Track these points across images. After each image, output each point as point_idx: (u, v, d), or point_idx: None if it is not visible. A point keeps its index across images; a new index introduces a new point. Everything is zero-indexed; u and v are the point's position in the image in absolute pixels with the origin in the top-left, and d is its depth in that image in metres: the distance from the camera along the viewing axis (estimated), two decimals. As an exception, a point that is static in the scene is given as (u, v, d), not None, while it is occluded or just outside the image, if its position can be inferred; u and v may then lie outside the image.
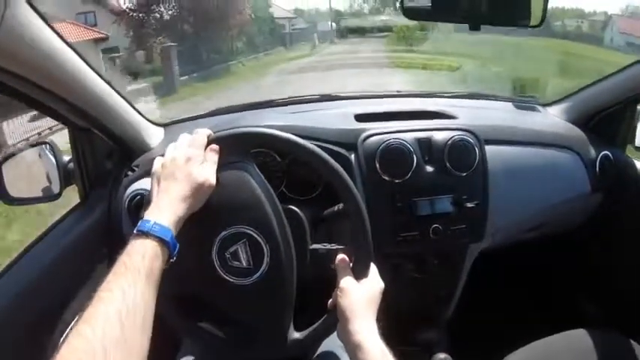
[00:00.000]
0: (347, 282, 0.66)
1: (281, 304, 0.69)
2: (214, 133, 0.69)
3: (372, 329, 0.62)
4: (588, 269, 1.29)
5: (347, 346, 0.62)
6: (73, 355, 0.41)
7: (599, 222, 1.19)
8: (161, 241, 0.53)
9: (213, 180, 0.63)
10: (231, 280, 0.66)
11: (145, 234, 0.53)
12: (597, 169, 1.11)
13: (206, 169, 0.63)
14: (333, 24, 23.54)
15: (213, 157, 0.65)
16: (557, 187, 1.09)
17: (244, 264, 0.66)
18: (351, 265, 0.68)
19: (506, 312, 1.35)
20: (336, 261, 0.68)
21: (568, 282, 1.35)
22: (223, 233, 0.65)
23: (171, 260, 0.56)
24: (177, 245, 0.57)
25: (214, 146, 0.66)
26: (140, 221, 0.55)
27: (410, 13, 0.78)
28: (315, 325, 0.70)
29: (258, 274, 0.66)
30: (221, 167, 0.66)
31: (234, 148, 0.69)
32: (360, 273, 0.67)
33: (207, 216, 0.65)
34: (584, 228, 1.20)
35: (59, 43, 0.70)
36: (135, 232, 0.54)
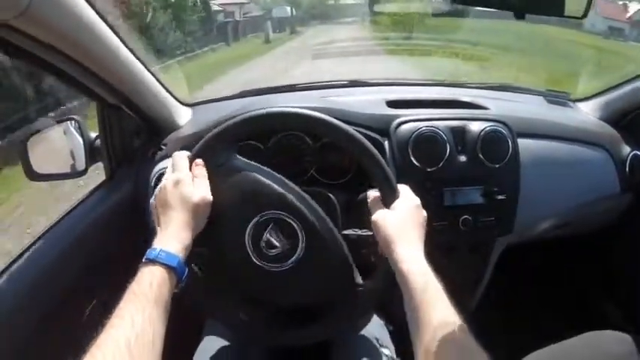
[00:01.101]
0: (379, 214, 0.64)
1: (315, 289, 0.68)
2: (242, 113, 0.68)
3: (413, 255, 0.59)
4: (611, 270, 1.27)
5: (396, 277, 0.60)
6: None
7: (626, 223, 1.17)
8: (168, 267, 0.56)
9: (207, 195, 0.64)
10: (266, 266, 0.65)
11: (152, 261, 0.55)
12: (627, 168, 1.09)
13: (198, 187, 0.64)
14: (293, 9, 18.61)
15: (201, 172, 0.66)
16: (586, 184, 1.07)
17: (278, 249, 0.65)
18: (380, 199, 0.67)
19: (525, 310, 1.33)
20: (368, 199, 0.68)
21: (590, 283, 1.34)
22: (254, 220, 0.65)
23: (181, 285, 0.58)
24: (187, 270, 0.59)
25: (198, 161, 0.67)
26: (148, 250, 0.57)
27: None
28: (342, 311, 0.69)
29: (293, 259, 0.65)
30: (213, 175, 0.66)
31: (219, 146, 0.67)
32: (390, 202, 0.65)
33: (232, 213, 0.65)
34: (610, 228, 1.18)
35: (94, 16, 0.69)
36: (144, 260, 0.56)
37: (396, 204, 0.65)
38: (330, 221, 0.67)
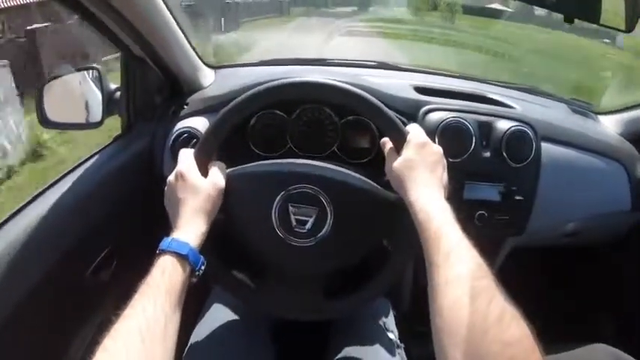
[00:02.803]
0: (390, 162, 0.63)
1: (345, 258, 0.68)
2: (263, 81, 0.66)
3: (421, 195, 0.57)
4: (611, 284, 1.29)
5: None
6: None
7: (631, 240, 1.17)
8: (179, 255, 0.55)
9: (218, 180, 0.64)
10: (294, 241, 0.64)
11: (163, 252, 0.55)
12: None
13: (207, 174, 0.64)
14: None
15: (210, 162, 0.65)
16: (600, 197, 1.07)
17: (307, 223, 0.64)
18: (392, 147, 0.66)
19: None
20: (381, 146, 0.67)
21: (588, 294, 1.35)
22: (279, 196, 0.64)
23: (197, 273, 0.57)
24: (202, 258, 0.58)
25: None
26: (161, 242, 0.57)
27: None
28: (353, 293, 0.69)
29: (322, 232, 0.64)
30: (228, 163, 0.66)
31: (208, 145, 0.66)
32: (400, 147, 0.64)
33: (253, 195, 0.65)
34: (615, 244, 1.19)
35: None
36: (157, 251, 0.56)
37: (405, 147, 0.64)
38: (354, 176, 0.66)
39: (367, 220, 0.66)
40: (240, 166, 0.67)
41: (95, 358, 0.44)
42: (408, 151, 0.63)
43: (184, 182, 0.62)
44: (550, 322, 1.34)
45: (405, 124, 0.88)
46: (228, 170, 0.67)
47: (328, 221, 0.64)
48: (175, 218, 0.61)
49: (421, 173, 0.60)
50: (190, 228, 0.59)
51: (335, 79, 0.66)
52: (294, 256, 0.66)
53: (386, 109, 0.65)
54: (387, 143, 0.67)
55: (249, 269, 0.74)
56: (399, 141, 0.64)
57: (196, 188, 0.61)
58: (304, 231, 0.64)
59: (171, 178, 0.64)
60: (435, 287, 0.47)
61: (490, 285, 0.45)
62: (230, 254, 0.70)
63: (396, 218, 0.64)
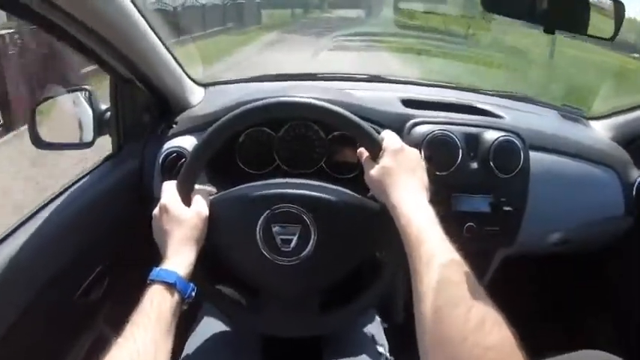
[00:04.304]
0: (368, 171, 0.64)
1: (333, 273, 0.68)
2: (252, 100, 0.67)
3: (401, 199, 0.57)
4: (606, 290, 1.28)
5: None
6: None
7: (624, 246, 1.17)
8: (167, 284, 0.57)
9: (202, 209, 0.65)
10: (275, 259, 0.65)
11: (152, 281, 0.57)
12: (634, 192, 1.09)
13: (190, 204, 0.65)
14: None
15: (190, 192, 0.66)
16: (592, 204, 1.07)
17: (291, 242, 0.65)
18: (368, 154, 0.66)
19: (518, 321, 1.33)
20: (358, 156, 0.68)
21: (584, 300, 1.34)
22: (267, 212, 0.64)
23: (187, 300, 0.59)
24: (191, 285, 0.60)
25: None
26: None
27: (489, 4, 0.74)
28: (344, 307, 0.69)
29: (307, 249, 0.65)
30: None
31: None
32: (376, 155, 0.64)
33: (238, 215, 0.66)
34: (608, 250, 1.18)
35: None
36: (147, 282, 0.57)
37: (381, 155, 0.64)
38: (337, 191, 0.66)
39: (352, 233, 0.66)
40: (221, 192, 0.69)
41: None
42: (385, 158, 0.63)
43: (168, 214, 0.63)
44: (545, 329, 1.35)
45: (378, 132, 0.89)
46: (211, 197, 0.68)
47: (312, 238, 0.64)
48: (163, 249, 0.62)
49: (400, 178, 0.61)
50: (178, 257, 0.61)
51: (315, 97, 0.67)
52: (281, 275, 0.66)
53: (357, 119, 0.65)
54: (363, 153, 0.68)
55: (239, 289, 0.74)
56: (374, 149, 0.65)
57: (180, 219, 0.63)
58: (289, 250, 0.65)
59: (155, 211, 0.65)
60: (417, 294, 0.48)
61: (471, 290, 0.45)
62: (220, 275, 0.71)
63: (383, 228, 0.64)
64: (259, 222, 0.64)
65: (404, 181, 0.60)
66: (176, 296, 0.57)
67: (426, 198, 0.60)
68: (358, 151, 0.69)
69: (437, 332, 0.44)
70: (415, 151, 0.66)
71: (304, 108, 0.66)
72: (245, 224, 0.65)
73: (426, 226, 0.54)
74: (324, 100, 0.67)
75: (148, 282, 0.57)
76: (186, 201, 0.65)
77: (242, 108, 0.65)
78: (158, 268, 0.59)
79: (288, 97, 0.67)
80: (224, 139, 0.65)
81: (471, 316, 0.42)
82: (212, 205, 0.66)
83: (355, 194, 0.66)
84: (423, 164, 0.65)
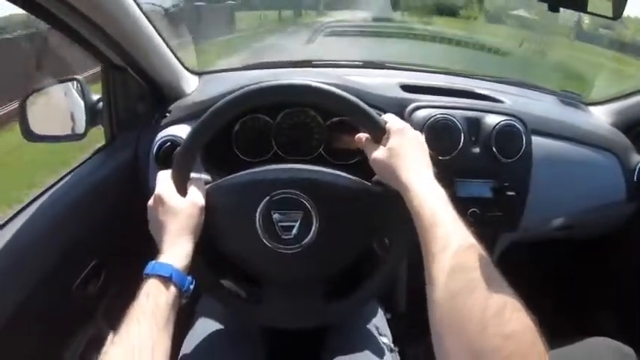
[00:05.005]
0: (374, 154, 0.61)
1: (332, 267, 0.66)
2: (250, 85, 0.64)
3: (415, 179, 0.55)
4: (609, 277, 1.27)
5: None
6: None
7: (627, 231, 1.16)
8: (162, 278, 0.55)
9: (198, 199, 0.63)
10: (280, 248, 0.63)
11: (148, 275, 0.56)
12: (635, 177, 1.08)
13: (185, 194, 0.63)
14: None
15: (185, 182, 0.64)
16: (594, 189, 1.06)
17: (292, 229, 0.63)
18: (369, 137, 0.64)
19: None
20: (356, 141, 0.66)
21: (588, 287, 1.34)
22: (267, 199, 0.62)
23: (185, 293, 0.58)
24: (189, 278, 0.59)
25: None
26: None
27: None
28: (348, 297, 0.67)
29: (309, 237, 0.63)
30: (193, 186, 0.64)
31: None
32: (379, 138, 0.62)
33: (236, 204, 0.64)
34: (611, 235, 1.18)
35: None
36: (143, 276, 0.56)
37: (386, 137, 0.62)
38: (337, 174, 0.64)
39: (356, 217, 0.64)
40: (218, 180, 0.66)
41: None
42: (391, 140, 0.61)
43: (163, 205, 0.61)
44: (551, 316, 1.34)
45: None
46: (207, 186, 0.66)
47: (314, 225, 0.62)
48: (159, 242, 0.61)
49: (409, 159, 0.59)
50: (174, 250, 0.59)
51: (312, 80, 0.64)
52: (283, 265, 0.65)
53: (360, 102, 0.63)
54: (363, 137, 0.66)
55: (240, 279, 0.72)
56: (378, 132, 0.62)
57: (176, 210, 0.61)
58: (290, 237, 0.63)
59: (150, 202, 0.63)
60: (431, 278, 0.45)
61: (489, 275, 0.43)
62: (220, 266, 0.69)
63: (388, 212, 0.63)
64: (259, 209, 0.62)
65: (412, 161, 0.59)
66: (173, 290, 0.55)
67: (434, 178, 0.58)
68: (357, 136, 0.67)
69: (452, 320, 0.41)
70: (417, 132, 0.64)
71: (304, 91, 0.63)
72: (244, 212, 0.63)
73: (441, 207, 0.51)
74: (321, 83, 0.65)
75: (144, 276, 0.55)
76: (182, 191, 0.63)
77: (238, 92, 0.62)
78: (153, 262, 0.57)
79: (286, 80, 0.64)
80: (219, 124, 0.63)
81: (489, 302, 0.40)
82: (208, 194, 0.64)
83: (356, 178, 0.64)
84: (425, 145, 0.63)
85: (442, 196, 0.53)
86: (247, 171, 0.66)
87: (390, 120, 0.64)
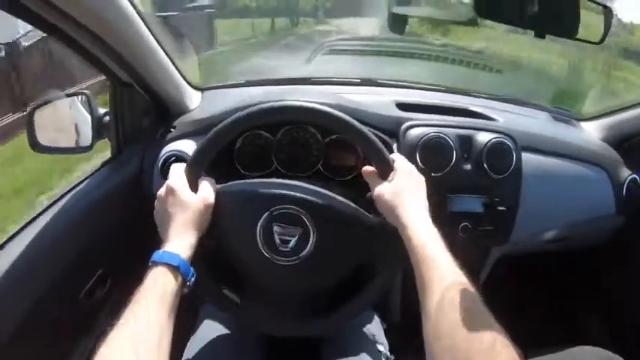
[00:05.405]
0: (378, 188, 0.65)
1: (326, 282, 0.69)
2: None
3: (415, 219, 0.60)
4: (598, 288, 1.30)
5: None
6: None
7: (616, 244, 1.19)
8: (170, 267, 0.57)
9: (208, 196, 0.65)
10: (277, 260, 0.66)
11: (155, 263, 0.57)
12: (624, 191, 1.11)
13: (197, 190, 0.65)
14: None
15: (200, 178, 0.67)
16: (584, 203, 1.09)
17: (290, 243, 0.66)
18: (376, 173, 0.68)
19: (513, 319, 1.35)
20: (363, 174, 0.69)
21: (577, 298, 1.37)
22: (264, 215, 0.65)
23: (188, 284, 0.59)
24: (192, 270, 0.60)
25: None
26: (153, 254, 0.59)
27: (481, 10, 0.76)
28: (343, 307, 0.70)
29: (305, 252, 0.66)
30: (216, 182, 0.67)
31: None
32: (386, 174, 0.66)
33: (240, 212, 0.67)
34: (600, 248, 1.21)
35: None
36: (149, 263, 0.58)
37: (392, 175, 0.66)
38: (341, 201, 0.67)
39: (349, 242, 0.68)
40: (229, 183, 0.69)
41: None
42: (396, 179, 0.65)
43: (174, 197, 0.63)
44: (542, 326, 1.37)
45: (387, 142, 0.91)
46: (218, 186, 0.68)
47: (311, 241, 0.65)
48: (165, 232, 0.62)
49: (411, 200, 0.63)
50: (181, 241, 0.61)
51: (319, 102, 0.68)
52: (278, 274, 0.67)
53: (372, 136, 0.67)
54: (369, 170, 0.69)
55: (237, 286, 0.75)
56: (384, 168, 0.66)
57: (186, 203, 0.63)
58: (287, 250, 0.66)
59: (161, 192, 0.65)
60: (425, 312, 0.50)
61: (478, 312, 0.48)
62: (219, 271, 0.71)
63: (379, 241, 0.66)
64: (260, 220, 0.65)
65: (412, 202, 0.63)
66: (179, 279, 0.57)
67: (426, 214, 0.62)
68: (364, 168, 0.70)
69: (444, 354, 0.46)
70: (421, 175, 0.68)
71: (325, 116, 0.67)
72: (247, 219, 0.66)
73: (436, 248, 0.56)
74: (322, 104, 0.68)
75: (150, 264, 0.57)
76: (194, 186, 0.65)
77: (261, 106, 0.66)
78: (161, 251, 0.59)
79: (306, 101, 0.68)
80: (239, 131, 0.67)
81: (479, 338, 0.44)
82: (218, 195, 0.67)
83: (357, 206, 0.68)
84: (425, 188, 0.67)
85: (437, 237, 0.58)
86: (258, 180, 0.69)
87: (398, 160, 0.68)
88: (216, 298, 0.72)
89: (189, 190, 0.65)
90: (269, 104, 0.67)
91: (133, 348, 0.47)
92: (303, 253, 0.66)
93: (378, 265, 0.70)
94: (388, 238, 0.64)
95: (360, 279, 0.70)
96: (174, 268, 0.57)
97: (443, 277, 0.52)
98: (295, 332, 0.73)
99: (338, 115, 0.66)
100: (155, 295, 0.53)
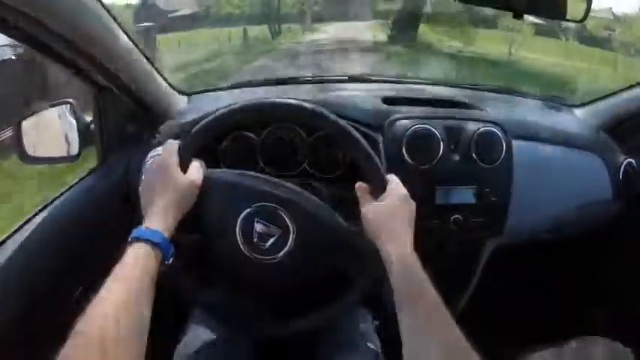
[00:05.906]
0: (367, 207, 0.65)
1: (302, 283, 0.68)
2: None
3: (399, 250, 0.59)
4: (599, 276, 1.28)
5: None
6: (73, 353, 0.44)
7: (615, 230, 1.17)
8: (152, 243, 0.56)
9: (196, 179, 0.65)
10: (254, 257, 0.65)
11: (136, 239, 0.56)
12: (620, 176, 1.09)
13: (186, 171, 0.65)
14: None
15: (190, 159, 0.67)
16: (579, 189, 1.07)
17: (269, 241, 0.65)
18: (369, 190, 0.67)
19: (514, 312, 1.34)
20: (357, 191, 0.68)
21: (579, 287, 1.34)
22: (247, 210, 0.65)
23: (167, 262, 0.58)
24: (172, 247, 0.59)
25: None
26: (133, 230, 0.58)
27: None
28: (326, 307, 0.69)
29: (282, 252, 0.65)
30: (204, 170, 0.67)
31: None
32: (378, 194, 0.65)
33: (222, 206, 0.66)
34: (599, 235, 1.18)
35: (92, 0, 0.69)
36: (129, 239, 0.56)
37: (383, 196, 0.65)
38: (324, 208, 0.67)
39: (327, 246, 0.67)
40: (218, 170, 0.69)
41: (70, 342, 0.44)
42: (387, 200, 0.64)
43: (163, 174, 0.63)
44: (545, 316, 1.34)
45: (371, 136, 0.90)
46: (207, 171, 0.68)
47: (290, 241, 0.65)
48: (148, 207, 0.62)
49: (400, 224, 0.62)
50: (164, 218, 0.60)
51: (316, 106, 0.68)
52: (254, 271, 0.67)
53: (372, 153, 0.66)
54: (363, 186, 0.68)
55: (214, 283, 0.74)
56: (378, 187, 0.66)
57: (173, 183, 0.62)
58: (265, 248, 0.65)
59: (152, 165, 0.66)
60: (401, 329, 0.53)
61: (453, 336, 0.49)
62: (201, 270, 0.70)
63: (356, 249, 0.66)
64: (243, 212, 0.65)
65: (402, 227, 0.62)
66: (159, 256, 0.56)
67: (410, 244, 0.61)
68: (357, 185, 0.69)
69: None
70: (413, 202, 0.67)
71: (324, 121, 0.67)
72: (229, 208, 0.66)
73: (414, 270, 0.57)
74: (305, 101, 0.68)
75: (130, 240, 0.56)
76: (184, 167, 0.65)
77: (265, 100, 0.67)
78: (143, 227, 0.58)
79: (310, 104, 0.67)
80: (237, 120, 0.67)
81: None
82: (205, 180, 0.66)
83: (340, 219, 0.67)
84: (414, 214, 0.66)
85: (416, 260, 0.58)
86: (247, 173, 0.68)
87: (394, 181, 0.67)
88: (200, 300, 0.72)
89: (179, 170, 0.64)
90: (270, 99, 0.67)
91: (115, 325, 0.46)
92: (281, 252, 0.65)
93: (353, 272, 0.69)
94: (364, 248, 0.64)
95: (338, 281, 0.69)
96: (156, 245, 0.56)
97: (419, 295, 0.54)
98: (272, 332, 0.72)
99: (342, 126, 0.66)
100: (135, 274, 0.52)
